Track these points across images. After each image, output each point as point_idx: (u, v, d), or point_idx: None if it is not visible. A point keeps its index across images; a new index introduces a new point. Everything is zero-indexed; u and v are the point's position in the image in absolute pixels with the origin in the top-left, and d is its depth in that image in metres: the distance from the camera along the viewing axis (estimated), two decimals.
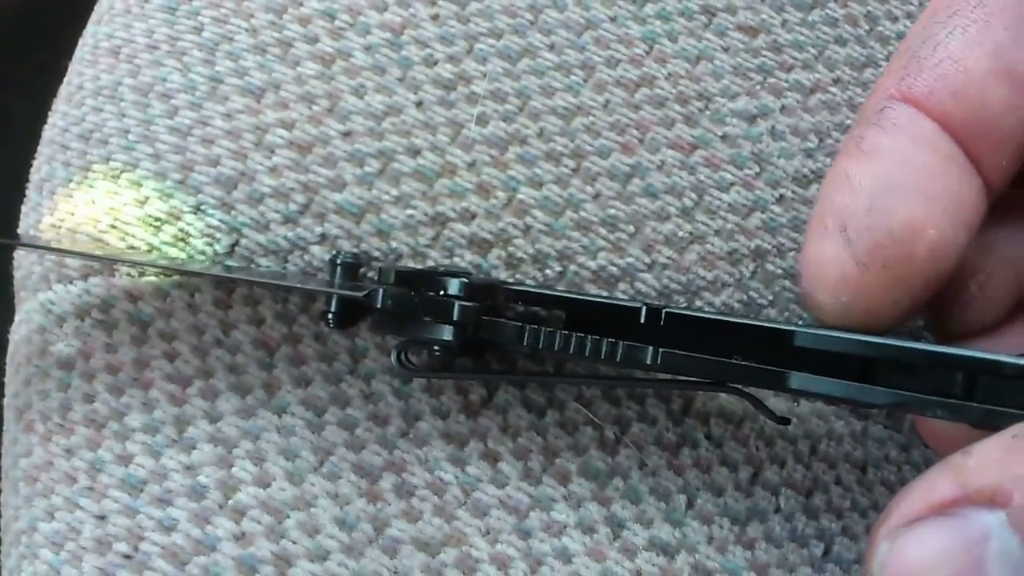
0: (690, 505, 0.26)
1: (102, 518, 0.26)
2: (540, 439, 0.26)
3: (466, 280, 0.24)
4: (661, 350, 0.23)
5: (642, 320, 0.23)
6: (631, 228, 0.27)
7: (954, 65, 0.22)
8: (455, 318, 0.24)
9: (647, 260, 0.27)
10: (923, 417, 0.23)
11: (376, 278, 0.25)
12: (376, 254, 0.27)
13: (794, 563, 0.25)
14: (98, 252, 0.27)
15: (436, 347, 0.24)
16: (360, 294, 0.24)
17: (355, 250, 0.26)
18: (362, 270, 0.26)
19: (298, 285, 0.26)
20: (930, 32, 0.22)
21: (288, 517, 0.25)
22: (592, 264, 0.27)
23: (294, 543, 0.25)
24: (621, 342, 0.23)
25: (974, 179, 0.22)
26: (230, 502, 0.25)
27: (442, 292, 0.24)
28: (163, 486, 0.26)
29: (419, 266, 0.27)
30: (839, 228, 0.22)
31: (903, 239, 0.21)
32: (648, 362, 0.23)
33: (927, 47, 0.22)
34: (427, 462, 0.26)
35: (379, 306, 0.24)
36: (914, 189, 0.22)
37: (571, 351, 0.23)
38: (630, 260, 0.27)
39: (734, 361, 0.22)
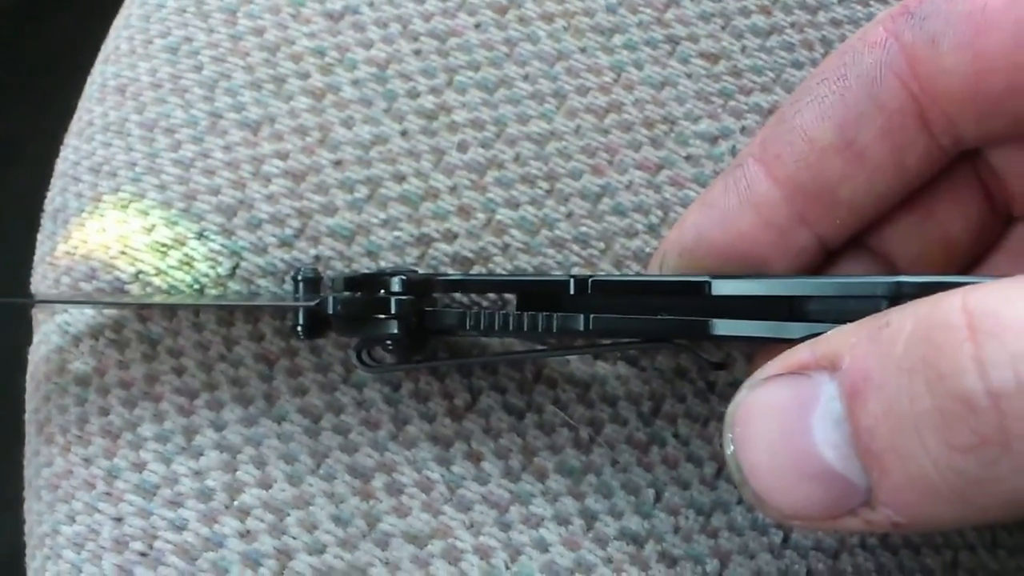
0: (658, 498, 0.27)
1: (119, 520, 0.27)
2: (520, 440, 0.28)
3: (404, 277, 0.26)
4: (592, 316, 0.25)
5: (572, 291, 0.25)
6: (602, 245, 0.29)
7: (801, 134, 0.24)
8: (394, 312, 0.26)
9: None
10: None
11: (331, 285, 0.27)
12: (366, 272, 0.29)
13: (755, 550, 0.27)
14: (107, 298, 0.29)
15: (388, 343, 0.27)
16: (312, 303, 0.26)
17: (314, 265, 0.28)
18: (324, 282, 0.28)
19: (260, 303, 0.28)
20: (800, 96, 0.25)
21: (288, 515, 0.27)
22: None
23: (294, 539, 0.27)
24: (555, 314, 0.25)
25: (794, 241, 0.25)
26: (235, 503, 0.27)
27: (385, 291, 0.26)
28: (174, 490, 0.28)
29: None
30: (660, 259, 0.26)
31: None
32: (581, 329, 0.25)
33: (791, 110, 0.25)
34: (415, 462, 0.28)
35: (331, 312, 0.26)
36: (718, 247, 0.25)
37: (511, 328, 0.25)
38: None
39: (659, 317, 0.24)
